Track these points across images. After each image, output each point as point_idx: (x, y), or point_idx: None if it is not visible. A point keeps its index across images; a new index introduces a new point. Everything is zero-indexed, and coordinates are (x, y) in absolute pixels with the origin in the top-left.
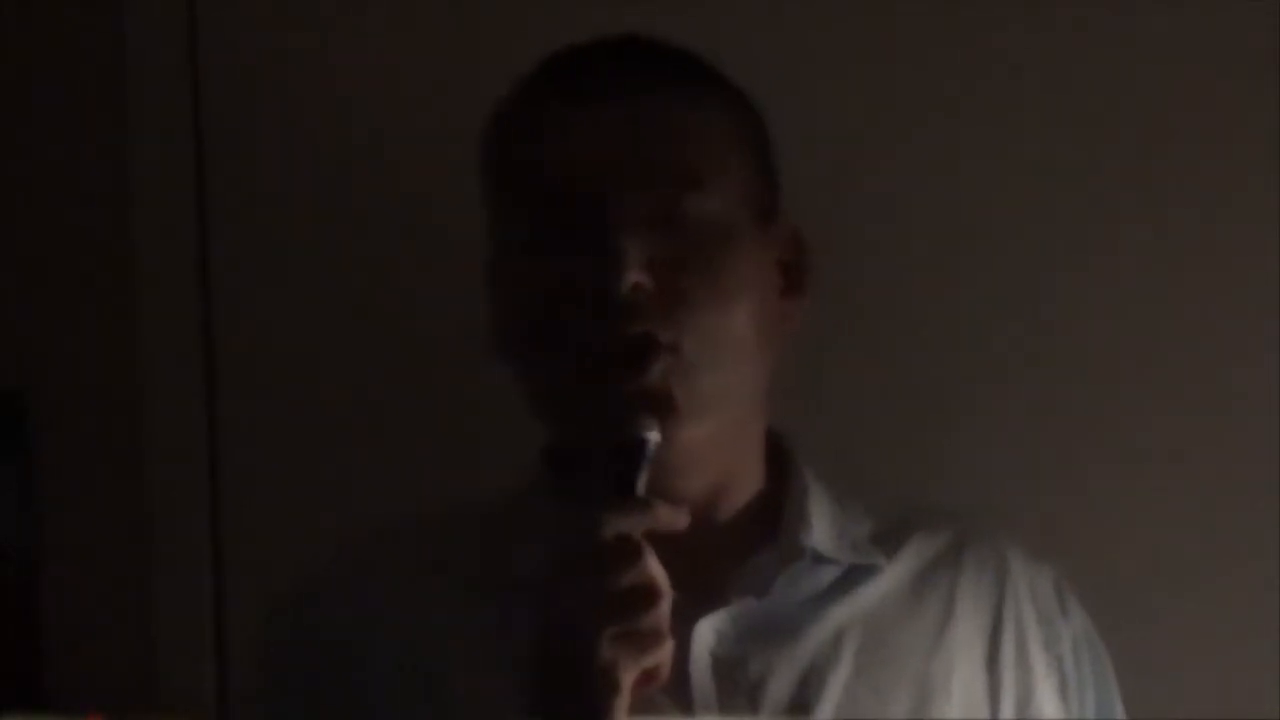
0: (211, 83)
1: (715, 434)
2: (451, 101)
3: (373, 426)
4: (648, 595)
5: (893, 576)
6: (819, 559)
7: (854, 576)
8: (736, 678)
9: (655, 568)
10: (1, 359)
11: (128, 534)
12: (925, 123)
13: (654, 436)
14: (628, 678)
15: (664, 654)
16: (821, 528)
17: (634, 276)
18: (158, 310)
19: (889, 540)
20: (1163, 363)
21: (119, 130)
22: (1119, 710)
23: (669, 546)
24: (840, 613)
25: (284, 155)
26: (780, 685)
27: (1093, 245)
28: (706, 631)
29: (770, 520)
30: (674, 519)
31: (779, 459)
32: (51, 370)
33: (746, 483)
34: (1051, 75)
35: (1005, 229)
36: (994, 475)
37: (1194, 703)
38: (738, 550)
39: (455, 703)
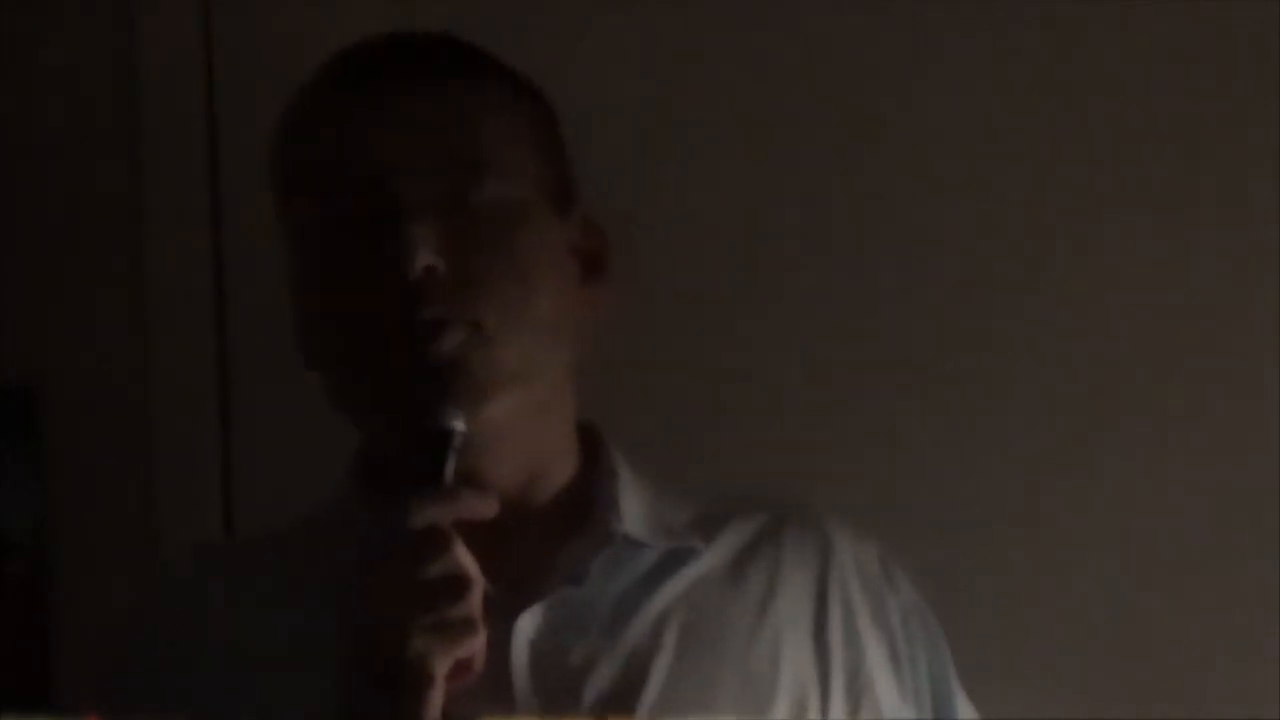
0: (224, 74)
1: (519, 413)
2: None
3: None
4: (457, 584)
5: (712, 559)
6: (634, 544)
7: (672, 561)
8: (557, 670)
9: (464, 557)
10: (12, 354)
11: (138, 528)
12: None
13: (459, 425)
14: (440, 669)
15: (477, 644)
16: (633, 512)
17: (425, 259)
18: (168, 305)
19: (708, 525)
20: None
21: (130, 124)
22: (954, 680)
23: (485, 538)
24: (660, 598)
25: None
26: (602, 675)
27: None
28: (526, 624)
29: (583, 507)
30: (482, 506)
31: (591, 447)
32: (61, 365)
33: (558, 470)
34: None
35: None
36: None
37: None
38: (553, 539)
39: (279, 702)
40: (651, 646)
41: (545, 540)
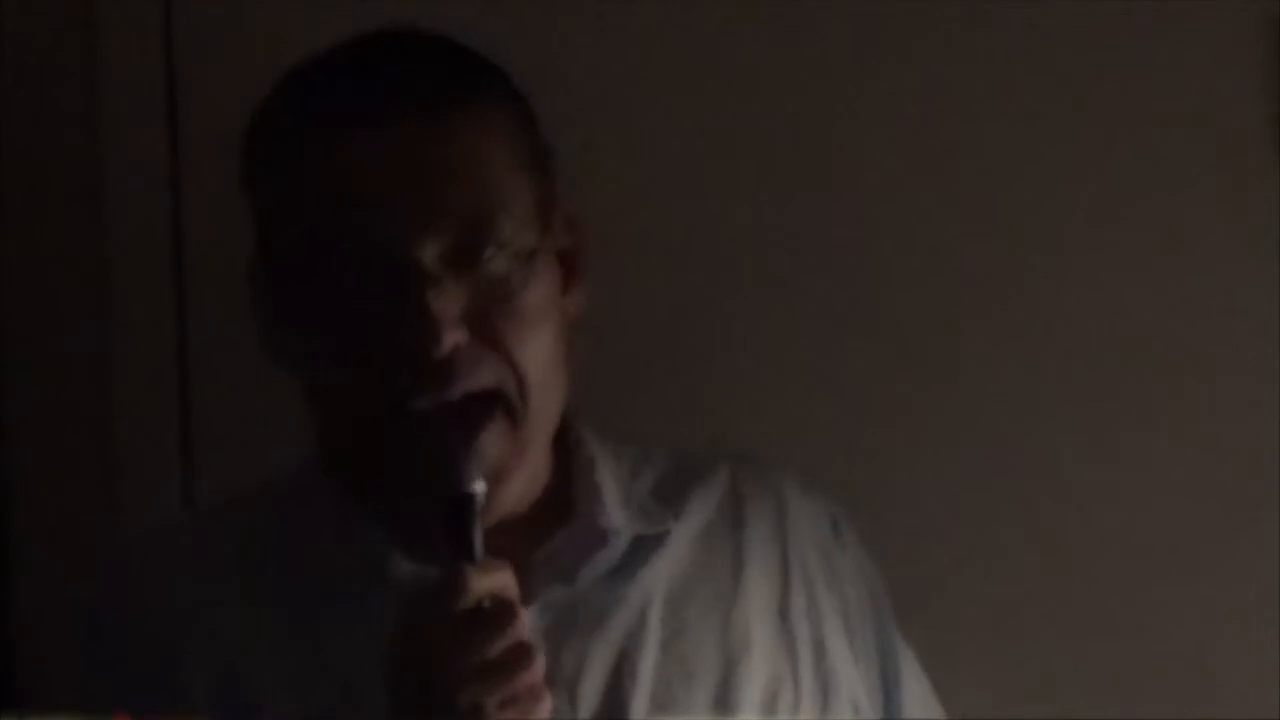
0: (185, 53)
1: (526, 454)
2: None
3: None
4: (524, 656)
5: (682, 538)
6: (614, 533)
7: (645, 544)
8: (554, 673)
9: (525, 624)
10: None
11: (99, 500)
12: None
13: (480, 488)
14: None
15: (546, 709)
16: (613, 502)
17: (452, 338)
18: (129, 277)
19: (671, 496)
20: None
21: (92, 98)
22: (895, 630)
23: None
24: (640, 586)
25: None
26: (595, 676)
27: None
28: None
29: (559, 499)
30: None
31: (562, 430)
32: (21, 335)
33: (539, 471)
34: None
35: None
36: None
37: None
38: (537, 535)
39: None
40: (638, 640)
41: (529, 537)
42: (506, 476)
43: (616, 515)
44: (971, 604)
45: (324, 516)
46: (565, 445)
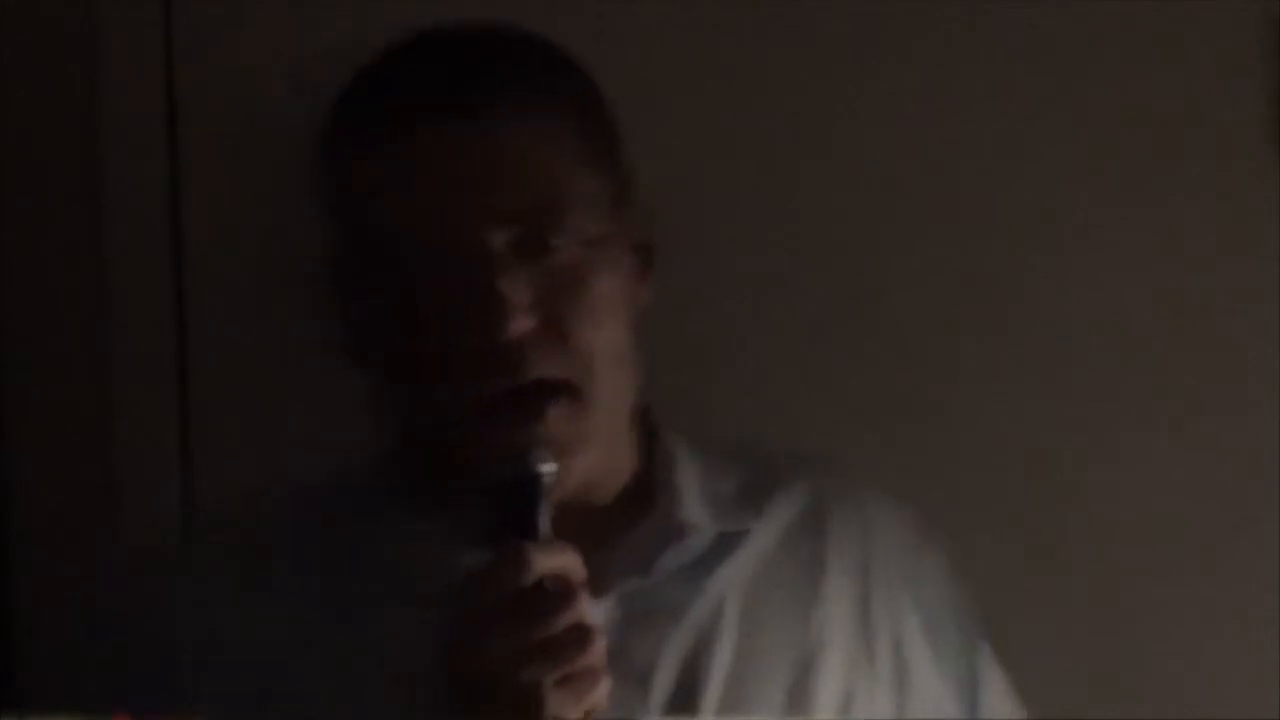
0: (184, 62)
1: (594, 442)
2: None
3: (354, 394)
4: (584, 636)
5: (762, 537)
6: (694, 528)
7: (726, 541)
8: (625, 665)
9: (586, 605)
10: None
11: (98, 503)
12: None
13: (549, 468)
14: None
15: (603, 692)
16: (691, 496)
17: (519, 325)
18: (128, 278)
19: (754, 497)
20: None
21: (90, 89)
22: (980, 639)
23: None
24: (717, 582)
25: (264, 146)
26: (668, 668)
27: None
28: (596, 618)
29: (641, 493)
30: (576, 562)
31: (644, 427)
32: (19, 338)
33: (620, 464)
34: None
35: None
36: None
37: None
38: (615, 528)
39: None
40: (712, 636)
41: (608, 531)
42: (571, 454)
43: (696, 511)
44: (969, 604)
45: (381, 515)
46: (647, 443)
